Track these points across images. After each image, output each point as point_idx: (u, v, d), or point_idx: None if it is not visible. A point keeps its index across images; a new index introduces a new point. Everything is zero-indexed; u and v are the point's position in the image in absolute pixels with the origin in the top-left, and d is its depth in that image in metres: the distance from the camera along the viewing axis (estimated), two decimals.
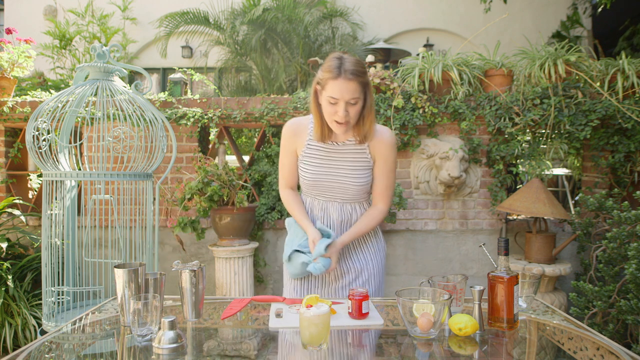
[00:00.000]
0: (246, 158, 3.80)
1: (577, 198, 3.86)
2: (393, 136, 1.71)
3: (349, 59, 1.52)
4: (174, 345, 1.12)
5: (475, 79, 3.27)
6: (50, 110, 2.51)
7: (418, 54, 3.45)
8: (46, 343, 1.22)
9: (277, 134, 3.59)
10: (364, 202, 1.76)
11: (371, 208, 1.76)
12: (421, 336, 1.20)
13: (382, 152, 1.69)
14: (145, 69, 3.02)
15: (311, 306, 1.14)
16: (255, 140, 3.73)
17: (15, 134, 3.68)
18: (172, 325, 1.14)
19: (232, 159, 4.24)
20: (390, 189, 1.75)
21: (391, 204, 1.82)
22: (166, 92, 3.79)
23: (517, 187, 4.20)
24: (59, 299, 2.65)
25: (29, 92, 3.73)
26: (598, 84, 3.11)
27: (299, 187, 1.84)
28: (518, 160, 3.36)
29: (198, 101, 3.47)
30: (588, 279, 2.95)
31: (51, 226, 2.56)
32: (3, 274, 2.99)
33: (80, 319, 1.40)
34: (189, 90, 4.56)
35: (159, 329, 1.15)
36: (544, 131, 3.20)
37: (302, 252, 1.68)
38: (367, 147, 1.68)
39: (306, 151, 1.70)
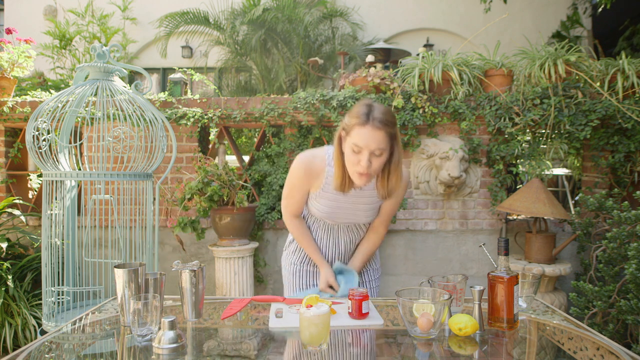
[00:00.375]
0: (246, 158, 3.80)
1: (577, 198, 3.86)
2: (408, 175, 1.66)
3: (379, 108, 1.42)
4: (174, 345, 1.12)
5: (475, 79, 3.27)
6: (50, 110, 2.51)
7: (418, 54, 3.45)
8: (46, 343, 1.22)
9: (277, 134, 3.59)
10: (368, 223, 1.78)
11: (372, 233, 1.74)
12: (421, 336, 1.20)
13: (396, 191, 1.62)
14: (145, 69, 3.02)
15: (311, 306, 1.14)
16: (255, 140, 3.73)
17: (15, 134, 3.68)
18: (172, 325, 1.13)
19: (232, 159, 4.24)
20: (392, 216, 1.74)
21: None
22: (166, 92, 3.79)
23: (517, 187, 4.20)
24: (59, 299, 2.65)
25: (29, 92, 3.73)
26: (598, 84, 3.11)
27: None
28: (518, 160, 3.36)
29: (198, 101, 3.47)
30: (588, 279, 2.95)
31: (51, 226, 2.56)
32: (3, 274, 2.99)
33: (80, 319, 1.40)
34: (189, 90, 4.56)
35: (159, 329, 1.15)
36: (544, 131, 3.20)
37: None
38: None
39: (321, 193, 1.61)
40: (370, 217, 1.67)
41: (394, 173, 1.49)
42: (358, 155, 1.42)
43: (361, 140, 1.39)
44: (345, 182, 1.51)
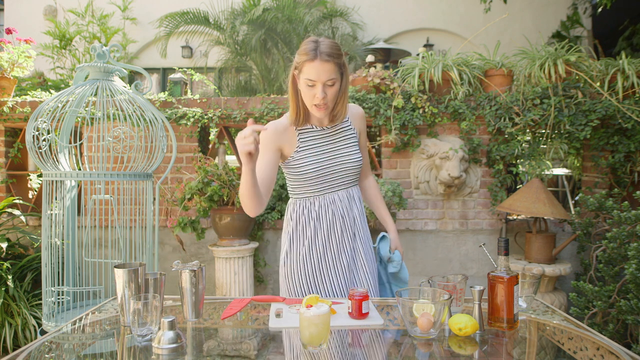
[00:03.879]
0: None
1: (577, 198, 3.85)
2: (362, 110, 1.82)
3: (325, 42, 1.51)
4: (174, 345, 1.12)
5: (475, 79, 3.27)
6: (50, 110, 2.51)
7: (418, 54, 3.45)
8: (46, 343, 1.22)
9: None
10: (357, 182, 1.79)
11: (369, 181, 1.87)
12: (421, 336, 1.20)
13: (361, 124, 1.77)
14: (145, 69, 3.02)
15: (311, 306, 1.14)
16: None
17: (15, 134, 3.68)
18: (172, 325, 1.13)
19: (232, 159, 4.24)
20: (367, 151, 1.86)
21: None
22: (166, 92, 3.79)
23: (517, 187, 4.20)
24: (59, 299, 2.65)
25: (29, 92, 3.73)
26: (598, 84, 3.11)
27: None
28: (518, 160, 3.36)
29: (198, 101, 3.47)
30: (588, 279, 2.95)
31: (51, 226, 2.56)
32: (3, 274, 2.99)
33: (80, 319, 1.40)
34: (189, 90, 4.56)
35: (159, 329, 1.15)
36: (544, 131, 3.20)
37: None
38: (350, 122, 1.73)
39: (301, 144, 1.65)
40: (357, 154, 1.70)
41: (341, 98, 1.60)
42: (313, 89, 1.52)
43: (313, 75, 1.49)
44: (299, 117, 1.62)
